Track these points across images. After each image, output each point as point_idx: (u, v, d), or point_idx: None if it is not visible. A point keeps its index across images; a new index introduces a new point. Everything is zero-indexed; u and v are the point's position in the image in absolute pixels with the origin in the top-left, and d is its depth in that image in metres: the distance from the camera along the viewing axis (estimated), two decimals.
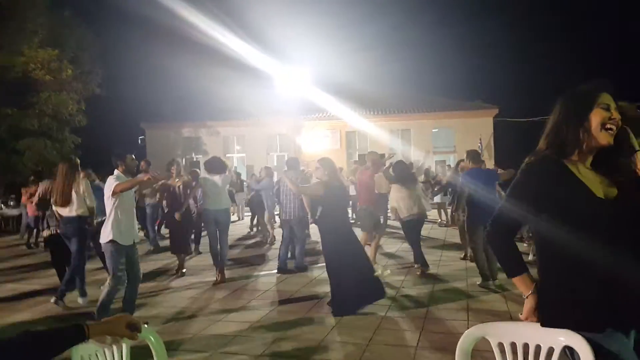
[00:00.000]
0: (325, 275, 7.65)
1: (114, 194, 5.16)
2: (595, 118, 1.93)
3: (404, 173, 7.90)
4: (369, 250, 7.34)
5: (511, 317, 5.30)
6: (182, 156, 28.69)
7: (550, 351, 2.05)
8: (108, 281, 5.30)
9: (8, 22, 18.48)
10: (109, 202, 5.23)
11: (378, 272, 7.33)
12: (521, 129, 24.47)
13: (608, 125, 1.93)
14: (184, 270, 8.20)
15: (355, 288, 5.60)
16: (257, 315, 5.74)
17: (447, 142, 26.71)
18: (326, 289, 6.71)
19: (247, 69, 24.70)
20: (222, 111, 27.41)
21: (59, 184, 6.27)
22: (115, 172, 5.37)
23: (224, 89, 24.83)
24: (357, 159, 26.80)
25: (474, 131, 24.91)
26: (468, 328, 4.80)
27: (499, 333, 2.20)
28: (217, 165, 7.80)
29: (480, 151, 24.06)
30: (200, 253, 9.91)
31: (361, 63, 28.60)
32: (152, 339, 2.16)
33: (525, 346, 2.12)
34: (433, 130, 27.20)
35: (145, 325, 2.05)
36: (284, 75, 26.56)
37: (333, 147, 27.65)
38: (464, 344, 2.19)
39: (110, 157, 5.49)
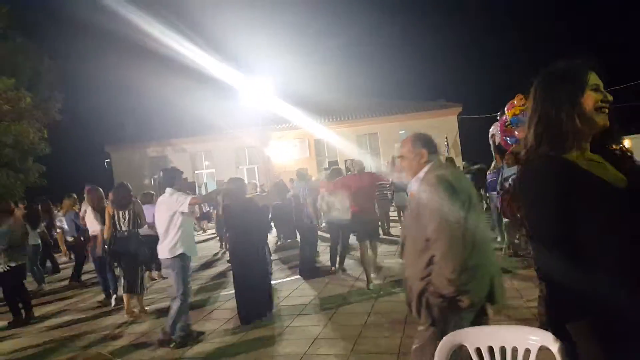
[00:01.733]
0: (304, 286, 7.65)
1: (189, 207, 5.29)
2: (588, 102, 1.70)
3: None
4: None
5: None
6: (150, 176, 28.30)
7: (527, 351, 2.07)
8: (177, 296, 5.32)
9: None
10: (174, 217, 5.29)
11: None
12: (485, 124, 24.89)
13: (602, 107, 1.71)
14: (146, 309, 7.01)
15: (253, 301, 5.97)
16: (236, 333, 5.67)
17: None
18: (305, 300, 6.70)
19: (210, 83, 24.53)
20: (187, 127, 27.20)
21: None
22: (169, 189, 5.42)
23: (187, 105, 24.62)
24: (328, 166, 26.91)
25: (440, 130, 25.22)
26: None
27: (475, 338, 2.21)
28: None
29: (447, 150, 24.39)
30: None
31: (324, 74, 28.85)
32: None
33: (502, 349, 2.14)
34: (400, 132, 27.44)
35: None
36: (248, 87, 26.46)
37: (302, 156, 27.68)
38: (441, 353, 2.19)
39: (74, 182, 5.47)
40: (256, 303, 5.96)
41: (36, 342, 6.10)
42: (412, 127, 27.30)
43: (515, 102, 9.36)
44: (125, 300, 6.76)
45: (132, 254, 6.70)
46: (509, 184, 8.21)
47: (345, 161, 8.95)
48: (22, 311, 7.16)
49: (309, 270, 8.44)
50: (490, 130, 10.03)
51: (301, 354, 4.77)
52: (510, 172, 8.45)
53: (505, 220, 8.43)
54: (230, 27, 29.54)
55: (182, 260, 5.30)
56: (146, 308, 6.97)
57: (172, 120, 27.75)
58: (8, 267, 6.99)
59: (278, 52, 32.58)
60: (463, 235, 2.62)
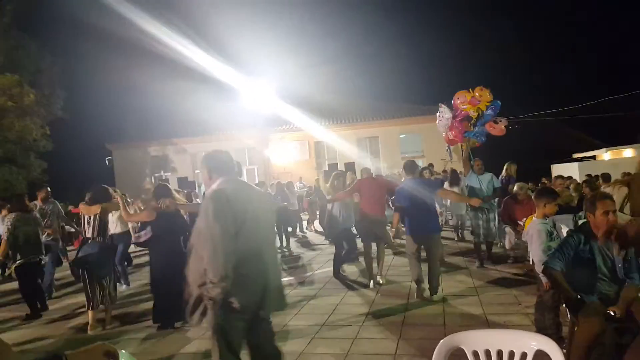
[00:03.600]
0: (303, 288, 7.67)
1: None
2: None
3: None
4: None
5: (487, 320, 5.38)
6: (151, 175, 28.36)
7: (524, 356, 2.10)
8: None
9: None
10: None
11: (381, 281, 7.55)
12: None
13: None
14: None
15: (173, 306, 5.55)
16: None
17: (415, 147, 27.02)
18: (303, 301, 6.73)
19: (211, 83, 24.62)
20: (189, 127, 27.25)
21: None
22: None
23: (189, 105, 24.69)
24: (327, 169, 27.07)
25: (441, 135, 25.25)
26: (445, 332, 4.85)
27: (472, 341, 2.24)
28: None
29: (449, 155, 24.36)
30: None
31: (325, 76, 28.83)
32: None
33: (499, 352, 2.17)
34: (400, 136, 27.51)
35: (123, 352, 2.03)
36: (249, 88, 26.53)
37: (302, 158, 27.73)
38: (439, 354, 2.23)
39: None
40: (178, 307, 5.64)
41: (43, 334, 6.13)
42: (412, 131, 27.45)
43: (479, 96, 8.25)
44: (89, 316, 6.14)
45: (92, 266, 6.08)
46: (514, 191, 8.06)
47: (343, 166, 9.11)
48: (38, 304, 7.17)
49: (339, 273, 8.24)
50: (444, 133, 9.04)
51: (298, 352, 4.80)
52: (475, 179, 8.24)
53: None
54: (232, 29, 29.63)
55: None
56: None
57: (174, 120, 27.81)
58: (24, 262, 6.98)
59: (279, 53, 32.61)
60: (229, 245, 2.86)
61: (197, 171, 28.92)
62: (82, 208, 6.28)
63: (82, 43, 29.47)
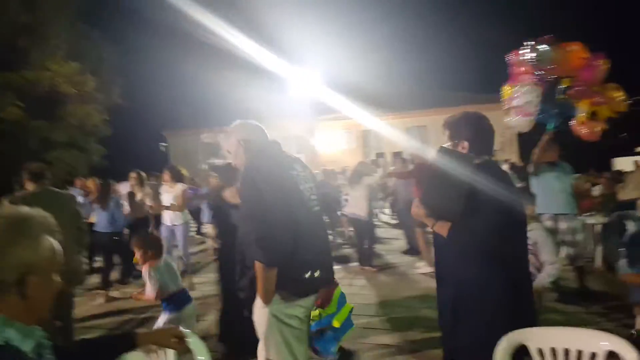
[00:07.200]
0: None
1: None
2: None
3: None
4: None
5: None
6: (203, 161, 28.92)
7: (593, 356, 2.03)
8: None
9: (35, 40, 19.01)
10: None
11: None
12: None
13: None
14: None
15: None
16: None
17: None
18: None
19: (261, 72, 24.76)
20: (239, 115, 27.39)
21: None
22: None
23: (239, 93, 24.96)
24: (375, 158, 26.91)
25: (494, 125, 24.57)
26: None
27: (538, 338, 2.19)
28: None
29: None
30: None
31: (373, 63, 28.39)
32: (196, 346, 2.22)
33: (566, 351, 2.11)
34: None
35: (190, 332, 2.10)
36: (297, 77, 26.56)
37: (349, 146, 27.61)
38: (502, 350, 2.16)
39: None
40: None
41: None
42: None
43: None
44: None
45: None
46: None
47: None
48: None
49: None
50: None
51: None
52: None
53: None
54: (280, 18, 29.64)
55: None
56: None
57: (225, 109, 28.13)
58: None
59: (327, 41, 32.44)
60: None
61: None
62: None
63: (139, 33, 30.23)
